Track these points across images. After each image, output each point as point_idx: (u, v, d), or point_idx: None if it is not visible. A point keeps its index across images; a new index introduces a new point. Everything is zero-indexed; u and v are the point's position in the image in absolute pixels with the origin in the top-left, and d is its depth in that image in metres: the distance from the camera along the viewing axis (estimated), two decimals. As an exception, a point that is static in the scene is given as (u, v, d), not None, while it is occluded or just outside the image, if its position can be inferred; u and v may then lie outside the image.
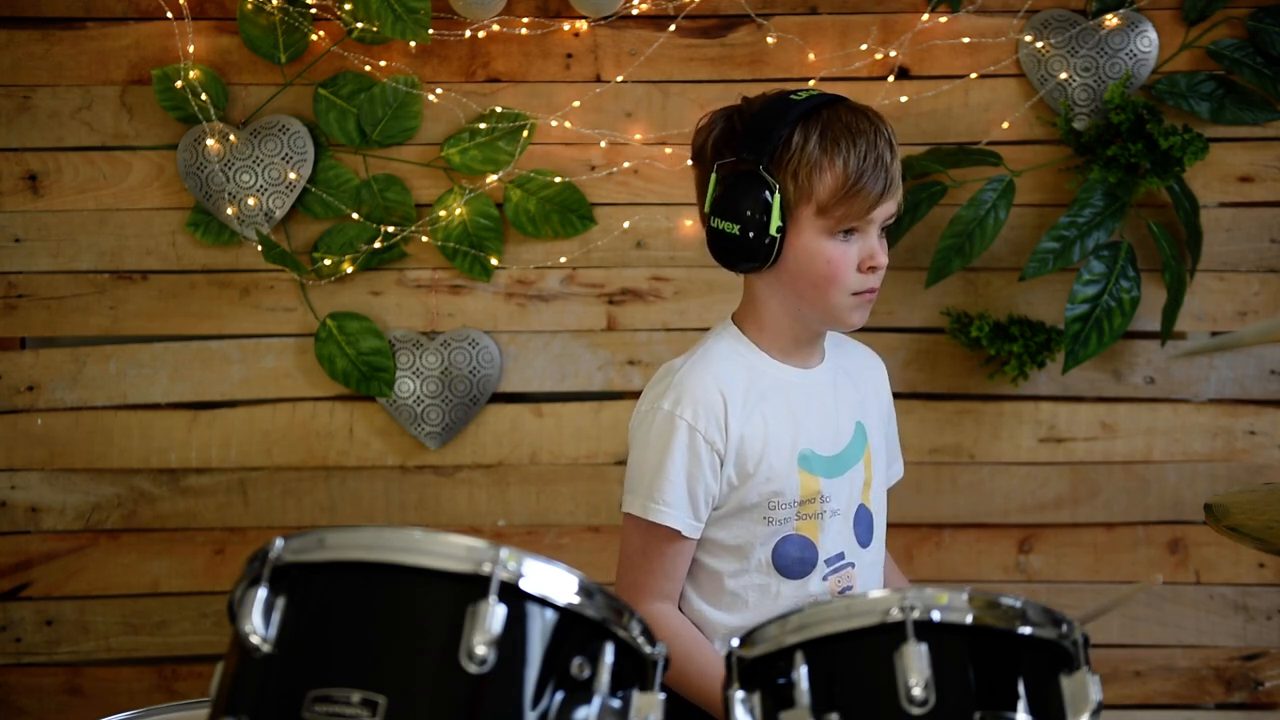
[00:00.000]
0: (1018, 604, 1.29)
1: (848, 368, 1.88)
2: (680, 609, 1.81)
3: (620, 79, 2.38)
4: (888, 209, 1.74)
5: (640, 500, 1.76)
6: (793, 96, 1.75)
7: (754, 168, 1.71)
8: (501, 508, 2.46)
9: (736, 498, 1.76)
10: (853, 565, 1.81)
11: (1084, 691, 1.27)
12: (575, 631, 1.23)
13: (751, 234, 1.71)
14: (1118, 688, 2.48)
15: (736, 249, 1.73)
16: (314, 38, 2.35)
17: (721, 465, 1.75)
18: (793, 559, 1.77)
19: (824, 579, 1.79)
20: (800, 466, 1.77)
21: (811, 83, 2.34)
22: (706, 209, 1.76)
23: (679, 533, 1.75)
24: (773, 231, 1.71)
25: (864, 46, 2.36)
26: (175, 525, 2.46)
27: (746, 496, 1.76)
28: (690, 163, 1.85)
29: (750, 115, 1.75)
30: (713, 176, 1.75)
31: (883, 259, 1.75)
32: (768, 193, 1.70)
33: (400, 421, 2.42)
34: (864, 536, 1.83)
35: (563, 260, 2.42)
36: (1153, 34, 2.34)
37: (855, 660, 1.28)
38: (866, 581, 1.82)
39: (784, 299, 1.78)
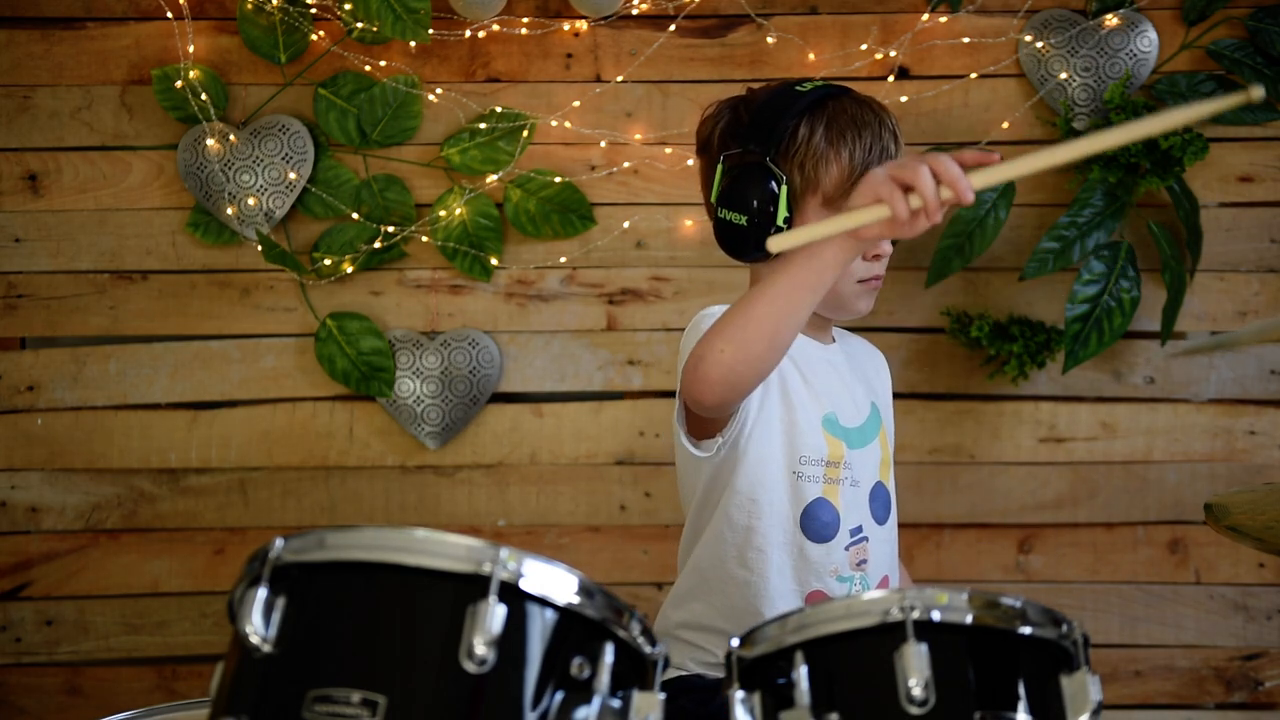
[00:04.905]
0: (1018, 604, 1.29)
1: (856, 357, 1.91)
2: (707, 571, 1.79)
3: (620, 79, 2.38)
4: None
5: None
6: (798, 88, 1.77)
7: (760, 159, 1.73)
8: (501, 508, 2.46)
9: (768, 441, 1.73)
10: (867, 539, 1.82)
11: (1084, 691, 1.27)
12: (575, 631, 1.23)
13: (758, 225, 1.73)
14: (1118, 688, 2.48)
15: (744, 239, 1.75)
16: (314, 38, 2.35)
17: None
18: (821, 522, 1.77)
19: (845, 549, 1.79)
20: (825, 428, 1.78)
21: (812, 82, 2.35)
22: (713, 199, 1.78)
23: None
24: (779, 222, 1.73)
25: (864, 46, 2.36)
26: (175, 525, 2.46)
27: (774, 445, 1.74)
28: (695, 155, 1.86)
29: (756, 106, 1.77)
30: (719, 167, 1.77)
31: (887, 246, 1.78)
32: (774, 184, 1.72)
33: (400, 421, 2.42)
34: (880, 513, 1.84)
35: (563, 260, 2.42)
36: (1153, 34, 2.34)
37: (855, 660, 1.28)
38: (879, 560, 1.82)
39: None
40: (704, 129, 1.82)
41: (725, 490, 1.78)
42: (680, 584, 1.86)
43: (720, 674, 1.78)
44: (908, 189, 1.40)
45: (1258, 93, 1.35)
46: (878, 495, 1.84)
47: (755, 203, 1.73)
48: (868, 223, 1.42)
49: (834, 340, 1.88)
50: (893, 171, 1.40)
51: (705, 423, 1.71)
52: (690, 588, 1.83)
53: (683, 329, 2.40)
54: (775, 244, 1.44)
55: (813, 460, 1.77)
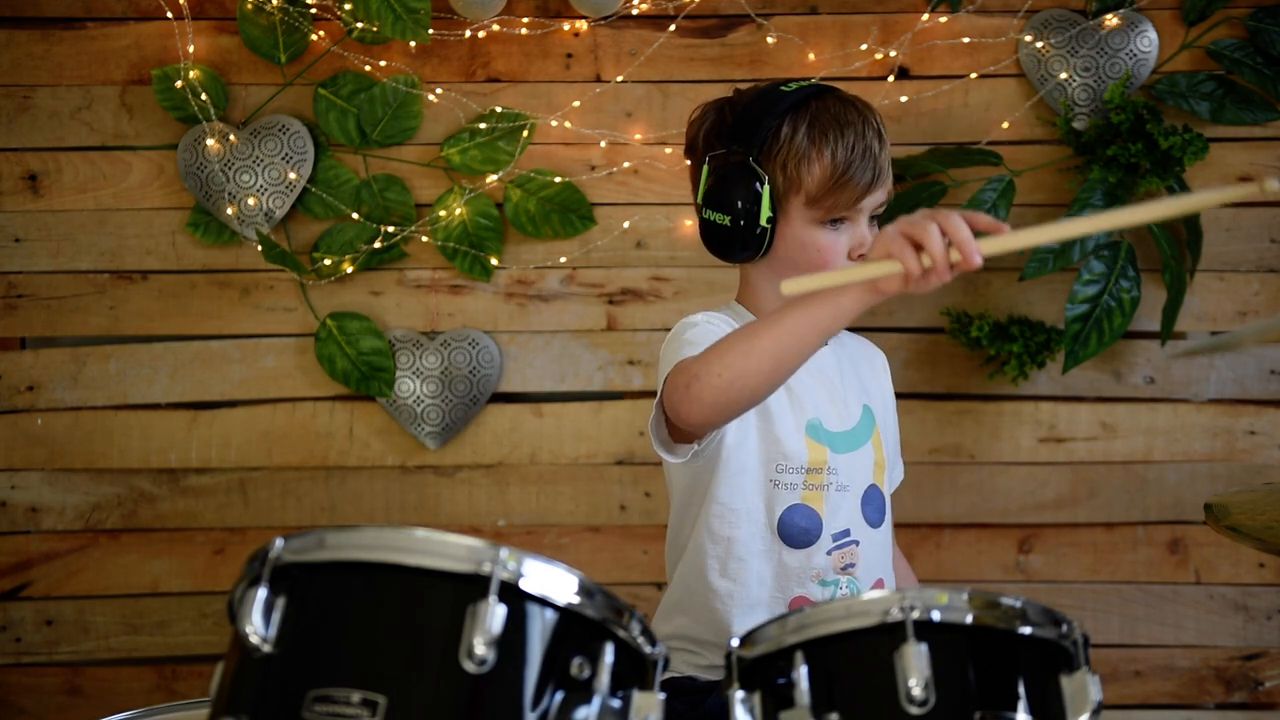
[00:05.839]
0: (1018, 604, 1.29)
1: (850, 357, 1.90)
2: (691, 584, 1.80)
3: (620, 79, 2.38)
4: (877, 198, 1.77)
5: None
6: (783, 88, 1.77)
7: (744, 159, 1.74)
8: (501, 508, 2.46)
9: (745, 452, 1.75)
10: (858, 543, 1.81)
11: (1084, 691, 1.27)
12: (575, 631, 1.23)
13: (742, 225, 1.74)
14: (1118, 688, 2.48)
15: (728, 239, 1.76)
16: (314, 38, 2.35)
17: None
18: (798, 528, 1.77)
19: (828, 553, 1.78)
20: (808, 435, 1.78)
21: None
22: (699, 200, 1.78)
23: None
24: (763, 222, 1.73)
25: (864, 46, 2.36)
26: (175, 525, 2.46)
27: (750, 455, 1.76)
28: (684, 156, 1.87)
29: (741, 107, 1.78)
30: (704, 168, 1.77)
31: None
32: (757, 184, 1.73)
33: (400, 421, 2.42)
34: (874, 517, 1.83)
35: (563, 260, 2.42)
36: (1153, 34, 2.34)
37: (855, 660, 1.28)
38: (871, 563, 1.82)
39: (778, 287, 1.78)
40: (691, 130, 1.83)
41: (705, 501, 1.78)
42: (666, 597, 1.86)
43: (713, 676, 1.78)
44: (919, 247, 1.38)
45: (1271, 186, 1.26)
46: (871, 499, 1.83)
47: (739, 203, 1.73)
48: (879, 276, 1.40)
49: (825, 342, 1.87)
50: (904, 228, 1.38)
51: (683, 430, 1.71)
52: (675, 601, 1.83)
53: (683, 329, 2.42)
54: (789, 287, 1.41)
55: (791, 468, 1.77)
